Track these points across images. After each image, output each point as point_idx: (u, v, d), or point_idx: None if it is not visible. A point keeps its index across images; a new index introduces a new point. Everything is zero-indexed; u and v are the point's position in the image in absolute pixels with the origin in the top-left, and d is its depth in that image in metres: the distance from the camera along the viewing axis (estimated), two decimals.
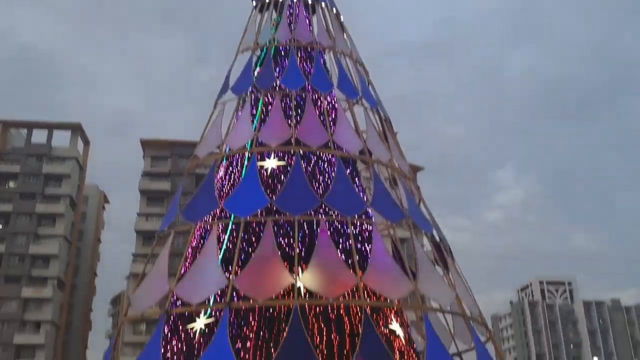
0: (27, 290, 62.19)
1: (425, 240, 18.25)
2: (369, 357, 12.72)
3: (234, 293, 13.96)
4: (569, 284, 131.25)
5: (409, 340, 15.31)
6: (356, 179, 17.31)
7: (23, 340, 60.49)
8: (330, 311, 14.51)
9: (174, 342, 14.66)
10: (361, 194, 16.79)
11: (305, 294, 14.23)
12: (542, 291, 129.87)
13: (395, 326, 14.86)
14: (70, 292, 68.90)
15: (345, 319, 14.56)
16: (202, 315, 14.36)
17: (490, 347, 15.44)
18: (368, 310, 13.60)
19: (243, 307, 14.17)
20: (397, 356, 14.45)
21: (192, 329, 14.49)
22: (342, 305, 14.36)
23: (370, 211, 16.49)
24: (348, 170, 16.65)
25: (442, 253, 16.65)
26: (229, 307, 13.53)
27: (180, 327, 14.81)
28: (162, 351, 13.96)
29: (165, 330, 14.68)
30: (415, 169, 53.87)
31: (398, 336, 14.79)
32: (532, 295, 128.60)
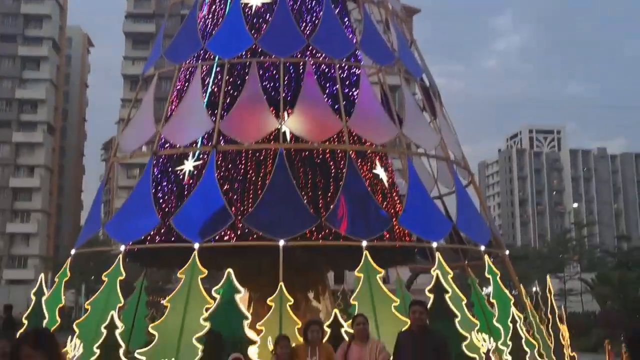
0: (17, 135, 62.55)
1: (416, 89, 17.85)
2: (352, 199, 12.93)
3: (221, 136, 13.84)
4: (558, 132, 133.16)
5: (392, 184, 15.50)
6: (345, 19, 16.51)
7: (19, 184, 61.88)
8: (315, 156, 14.51)
9: (164, 183, 14.80)
10: (350, 35, 16.11)
11: (290, 139, 14.13)
12: (531, 139, 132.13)
13: (379, 170, 14.96)
14: (60, 137, 69.28)
15: (331, 163, 14.60)
16: (190, 157, 14.34)
17: (472, 192, 15.71)
18: (353, 155, 13.58)
19: (230, 150, 14.12)
20: (380, 198, 14.70)
21: (181, 170, 14.56)
22: (327, 149, 14.33)
23: (359, 54, 15.93)
24: (337, 10, 15.83)
25: (430, 98, 16.36)
26: (216, 150, 13.47)
27: (170, 169, 14.87)
28: (153, 191, 14.12)
29: (155, 172, 14.76)
30: (412, 12, 51.88)
31: (381, 180, 14.93)
32: (521, 144, 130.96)
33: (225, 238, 13.21)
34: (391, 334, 9.12)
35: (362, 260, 11.50)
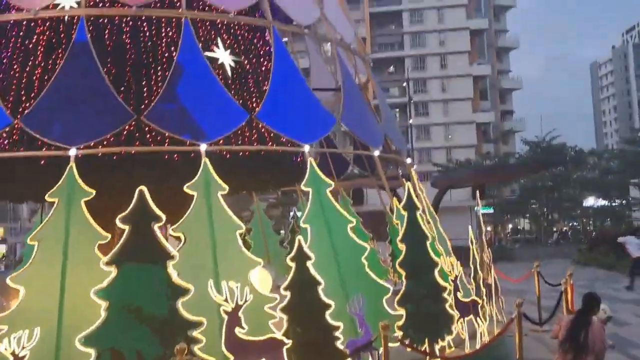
0: None
1: None
2: (189, 89, 9.24)
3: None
4: None
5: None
6: None
7: None
8: (141, 27, 10.83)
9: None
10: None
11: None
12: None
13: (219, 54, 10.94)
14: None
15: (163, 39, 10.86)
16: None
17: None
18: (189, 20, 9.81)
19: (20, 21, 10.72)
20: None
21: None
22: (162, 19, 10.70)
23: None
24: None
25: None
26: None
27: None
28: None
29: None
30: None
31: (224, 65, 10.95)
32: (638, 37, 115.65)
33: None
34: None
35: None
